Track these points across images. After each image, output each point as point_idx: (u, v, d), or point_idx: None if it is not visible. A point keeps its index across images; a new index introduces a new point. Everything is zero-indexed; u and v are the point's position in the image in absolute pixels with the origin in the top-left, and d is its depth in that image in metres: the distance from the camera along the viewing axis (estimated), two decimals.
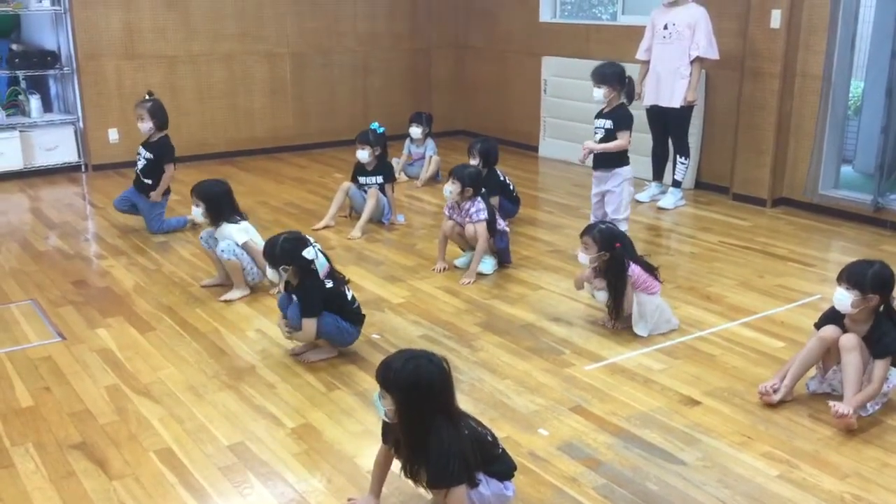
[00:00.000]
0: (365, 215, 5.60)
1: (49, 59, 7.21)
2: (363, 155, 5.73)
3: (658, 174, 6.52)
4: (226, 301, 4.37)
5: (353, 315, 3.71)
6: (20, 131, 7.10)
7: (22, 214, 6.21)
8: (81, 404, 3.30)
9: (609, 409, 3.27)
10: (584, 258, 3.95)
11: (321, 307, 3.58)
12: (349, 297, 3.71)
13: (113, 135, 7.34)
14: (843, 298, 3.18)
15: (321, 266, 3.60)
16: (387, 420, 2.43)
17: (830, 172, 6.12)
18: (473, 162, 5.51)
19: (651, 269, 3.98)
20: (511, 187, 5.85)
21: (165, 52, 7.53)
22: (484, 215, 4.70)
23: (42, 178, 7.19)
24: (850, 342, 3.15)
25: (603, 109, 4.99)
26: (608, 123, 4.91)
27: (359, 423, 3.17)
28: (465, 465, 2.34)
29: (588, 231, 3.96)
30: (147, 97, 5.65)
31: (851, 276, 3.17)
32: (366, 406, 3.27)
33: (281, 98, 8.21)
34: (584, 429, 3.12)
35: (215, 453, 2.96)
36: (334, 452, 2.96)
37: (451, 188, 4.73)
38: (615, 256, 3.87)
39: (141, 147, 5.63)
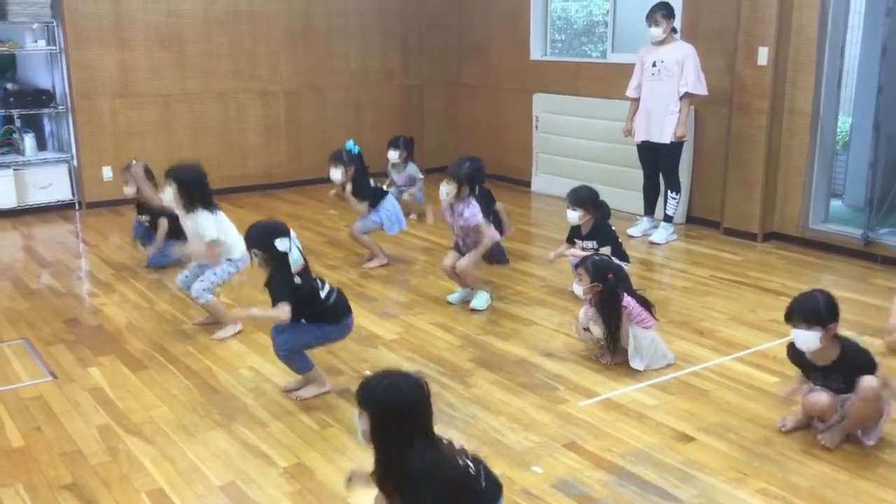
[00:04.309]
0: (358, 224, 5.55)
1: (44, 97, 7.26)
2: (336, 174, 5.53)
3: (649, 209, 6.56)
4: (218, 339, 4.36)
5: (331, 313, 3.59)
6: (14, 169, 7.14)
7: (14, 252, 6.21)
8: (73, 444, 3.28)
9: (603, 445, 3.26)
10: (578, 289, 3.97)
11: (291, 295, 3.46)
12: (323, 296, 3.57)
13: (107, 173, 7.36)
14: (810, 338, 3.14)
15: (295, 262, 3.49)
16: (362, 441, 2.34)
17: (820, 207, 6.17)
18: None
19: (647, 305, 4.00)
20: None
21: (160, 91, 7.59)
22: (479, 217, 4.63)
23: (35, 215, 7.20)
24: (871, 389, 3.09)
25: (581, 231, 4.96)
26: (595, 245, 4.89)
27: (353, 461, 3.14)
28: (443, 491, 2.22)
29: (582, 262, 4.00)
30: (135, 161, 5.38)
31: (808, 315, 3.13)
32: (360, 444, 3.24)
33: (274, 135, 8.27)
34: (578, 466, 3.11)
35: (207, 494, 2.93)
36: (327, 492, 2.94)
37: (447, 188, 4.65)
38: (608, 287, 3.89)
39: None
